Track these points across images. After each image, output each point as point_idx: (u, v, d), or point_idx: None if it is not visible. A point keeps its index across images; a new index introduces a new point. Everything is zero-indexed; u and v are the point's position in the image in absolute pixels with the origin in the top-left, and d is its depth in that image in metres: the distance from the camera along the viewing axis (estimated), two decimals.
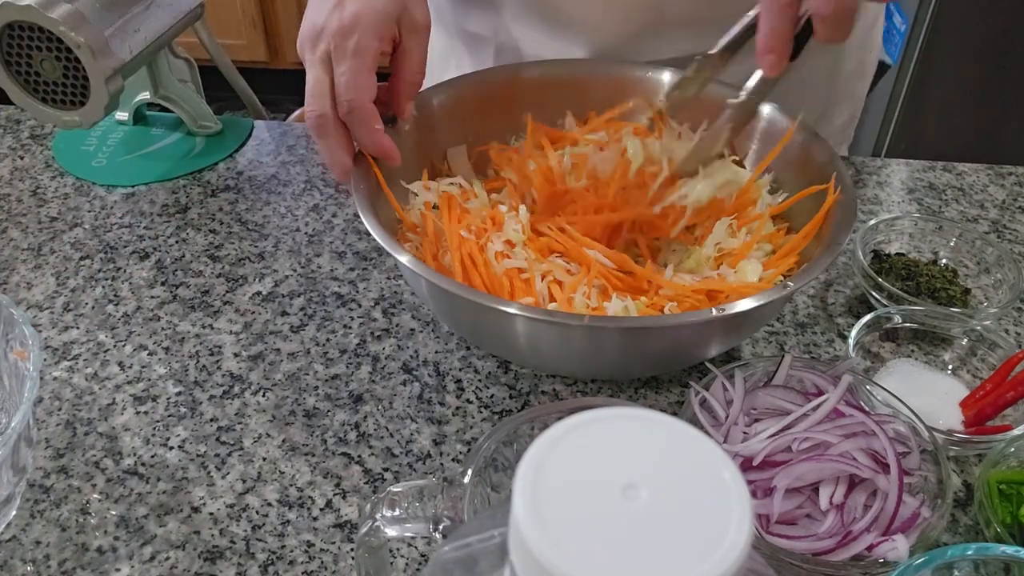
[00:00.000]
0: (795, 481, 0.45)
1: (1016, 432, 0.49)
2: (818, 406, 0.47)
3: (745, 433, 0.48)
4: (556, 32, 0.73)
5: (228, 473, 0.51)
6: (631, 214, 0.58)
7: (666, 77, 0.68)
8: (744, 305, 0.47)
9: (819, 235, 0.56)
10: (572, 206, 0.60)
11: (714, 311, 0.47)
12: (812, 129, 0.61)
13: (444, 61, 0.83)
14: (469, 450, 0.53)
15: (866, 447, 0.46)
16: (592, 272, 0.54)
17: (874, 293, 0.61)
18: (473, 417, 0.55)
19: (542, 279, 0.55)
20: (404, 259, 0.50)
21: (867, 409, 0.48)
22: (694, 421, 0.49)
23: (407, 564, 0.47)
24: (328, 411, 0.55)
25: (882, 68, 0.89)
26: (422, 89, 0.65)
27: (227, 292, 0.64)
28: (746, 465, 0.46)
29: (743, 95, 0.58)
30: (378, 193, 0.58)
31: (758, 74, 0.57)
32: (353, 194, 0.55)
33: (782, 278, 0.55)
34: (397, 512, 0.37)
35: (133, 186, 0.75)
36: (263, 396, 0.56)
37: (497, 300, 0.48)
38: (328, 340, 0.60)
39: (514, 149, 0.67)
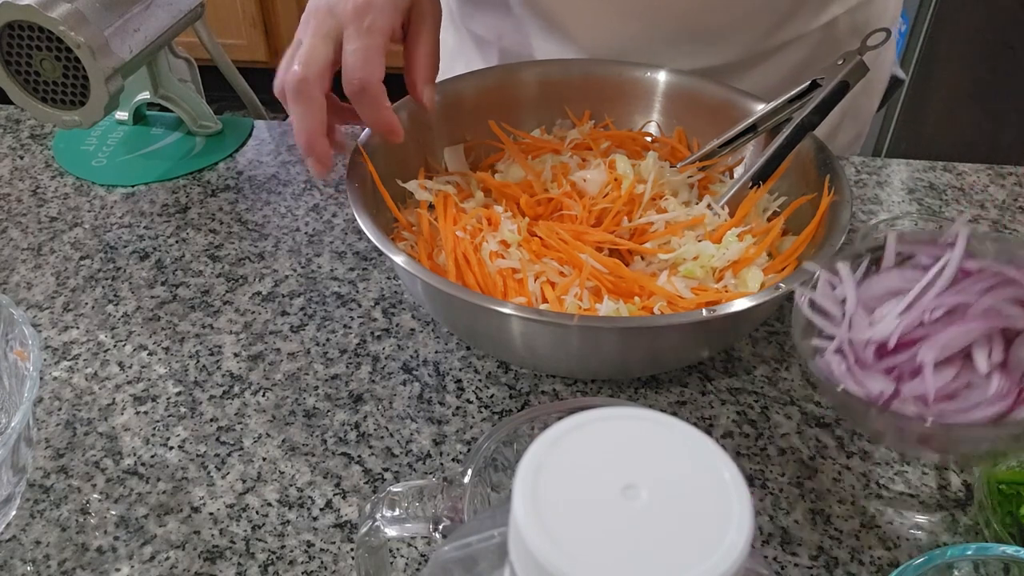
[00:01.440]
0: (943, 351, 0.40)
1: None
2: (942, 270, 0.42)
3: (869, 322, 0.43)
4: (554, 38, 0.73)
5: (228, 473, 0.51)
6: (617, 242, 0.58)
7: (662, 77, 0.68)
8: (735, 306, 0.47)
9: (814, 237, 0.56)
10: (559, 215, 0.60)
11: (705, 312, 0.47)
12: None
13: (454, 60, 0.83)
14: (469, 450, 0.53)
15: (1012, 296, 0.41)
16: (584, 274, 0.54)
17: None
18: (473, 417, 0.55)
19: (535, 280, 0.55)
20: (399, 259, 0.50)
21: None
22: (808, 328, 0.43)
23: (407, 564, 0.47)
24: (328, 411, 0.55)
25: (896, 84, 0.87)
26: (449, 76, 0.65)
27: (227, 292, 0.64)
28: (882, 352, 0.41)
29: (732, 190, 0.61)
30: (374, 192, 0.58)
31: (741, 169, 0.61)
32: (348, 193, 0.55)
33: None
34: (397, 512, 0.37)
35: (133, 186, 0.75)
36: (263, 396, 0.56)
37: (489, 300, 0.48)
38: (328, 340, 0.60)
39: (499, 155, 0.67)
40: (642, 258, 0.58)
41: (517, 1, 0.74)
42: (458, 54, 0.83)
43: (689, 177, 0.63)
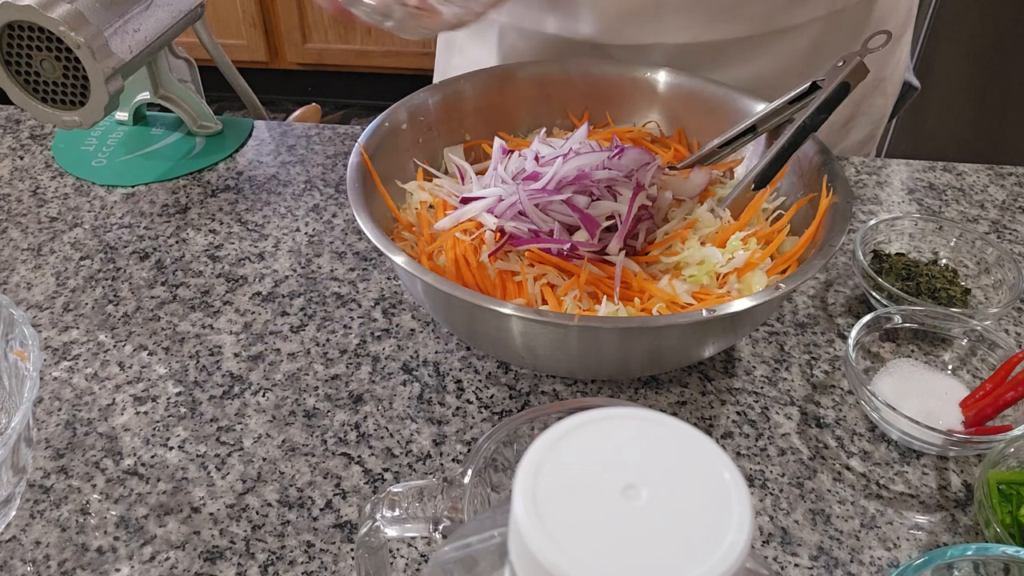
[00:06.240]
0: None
1: (1016, 432, 0.49)
2: None
3: None
4: (558, 8, 0.73)
5: (228, 473, 0.51)
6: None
7: (662, 77, 0.68)
8: (735, 307, 0.47)
9: (813, 237, 0.56)
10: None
11: (704, 312, 0.47)
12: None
13: (450, 48, 0.83)
14: (469, 450, 0.53)
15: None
16: (583, 277, 0.54)
17: (874, 293, 0.61)
18: (473, 417, 0.55)
19: (535, 282, 0.55)
20: (399, 259, 0.50)
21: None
22: None
23: (407, 564, 0.47)
24: (328, 411, 0.55)
25: (910, 91, 0.87)
26: (419, 90, 0.65)
27: (227, 292, 0.64)
28: None
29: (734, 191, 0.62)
30: (374, 192, 0.58)
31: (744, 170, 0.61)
32: (348, 193, 0.55)
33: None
34: (397, 512, 0.37)
35: (133, 186, 0.75)
36: (263, 396, 0.56)
37: (489, 300, 0.48)
38: (328, 340, 0.60)
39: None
40: (646, 258, 0.58)
41: None
42: (451, 46, 0.83)
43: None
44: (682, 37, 0.71)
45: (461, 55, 0.82)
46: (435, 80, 0.83)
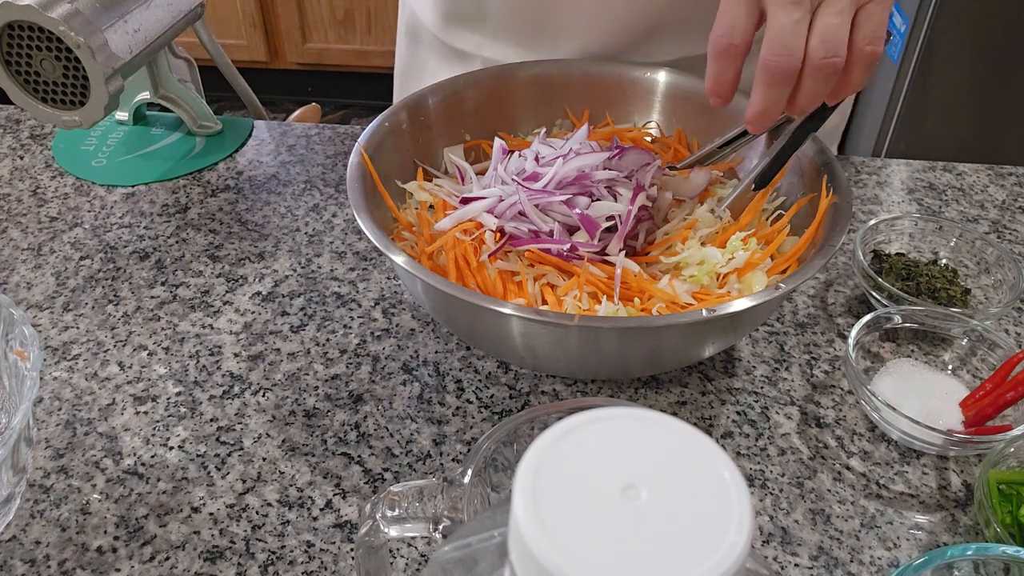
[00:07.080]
0: None
1: (1016, 432, 0.49)
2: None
3: None
4: (542, 43, 0.73)
5: (228, 473, 0.51)
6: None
7: (662, 77, 0.68)
8: (735, 306, 0.47)
9: (814, 237, 0.56)
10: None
11: (704, 312, 0.47)
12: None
13: (414, 74, 0.83)
14: (469, 450, 0.53)
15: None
16: (583, 277, 0.54)
17: (874, 293, 0.61)
18: (473, 417, 0.55)
19: (535, 282, 0.55)
20: (399, 259, 0.50)
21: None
22: None
23: (407, 564, 0.47)
24: (328, 411, 0.55)
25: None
26: (418, 90, 0.65)
27: (227, 292, 0.64)
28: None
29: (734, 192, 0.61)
30: (374, 192, 0.58)
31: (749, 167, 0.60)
32: (348, 193, 0.55)
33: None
34: (397, 512, 0.37)
35: (133, 186, 0.75)
36: (263, 396, 0.56)
37: (489, 300, 0.48)
38: (328, 340, 0.60)
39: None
40: (645, 258, 0.58)
41: (493, 11, 0.73)
42: (417, 69, 0.83)
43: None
44: (673, 55, 0.71)
45: (433, 80, 0.82)
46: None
